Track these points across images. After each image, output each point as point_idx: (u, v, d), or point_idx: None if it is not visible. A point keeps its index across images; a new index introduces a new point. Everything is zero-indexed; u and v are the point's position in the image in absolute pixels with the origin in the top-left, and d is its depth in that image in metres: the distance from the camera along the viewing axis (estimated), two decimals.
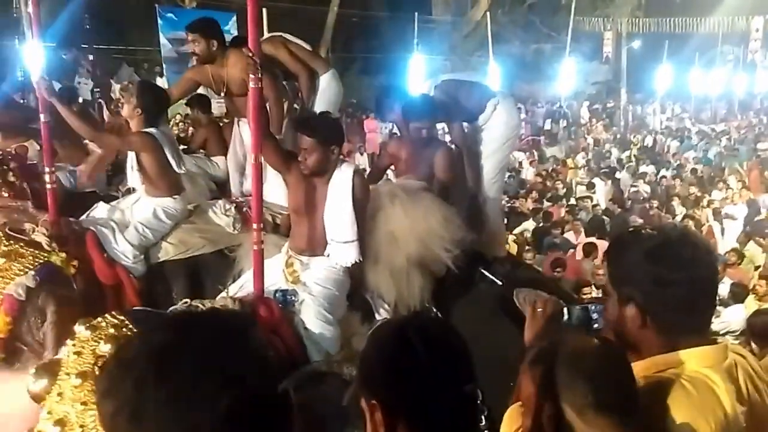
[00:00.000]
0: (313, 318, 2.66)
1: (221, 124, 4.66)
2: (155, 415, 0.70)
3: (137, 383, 0.72)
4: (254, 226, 2.60)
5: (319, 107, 3.80)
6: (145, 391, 0.71)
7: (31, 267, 2.55)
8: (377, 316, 2.90)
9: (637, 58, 24.50)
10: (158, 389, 0.71)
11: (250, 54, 2.58)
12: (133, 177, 3.24)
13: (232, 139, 4.04)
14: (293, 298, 2.73)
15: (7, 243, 2.63)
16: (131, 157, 3.20)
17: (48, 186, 2.94)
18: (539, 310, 1.62)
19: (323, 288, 2.80)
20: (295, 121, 3.30)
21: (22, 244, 2.64)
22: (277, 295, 2.72)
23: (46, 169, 2.93)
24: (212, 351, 0.74)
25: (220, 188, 3.94)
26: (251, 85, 2.60)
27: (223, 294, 2.77)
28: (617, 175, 12.45)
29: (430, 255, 2.98)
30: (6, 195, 3.21)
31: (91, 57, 11.56)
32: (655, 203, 10.24)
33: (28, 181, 3.33)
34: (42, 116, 2.91)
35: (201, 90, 4.12)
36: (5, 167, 3.29)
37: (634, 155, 15.40)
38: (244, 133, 3.87)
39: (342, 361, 2.60)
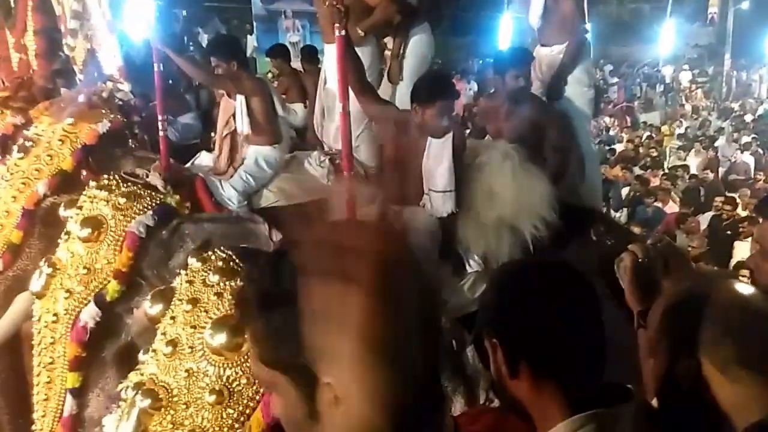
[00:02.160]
0: None
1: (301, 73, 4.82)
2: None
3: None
4: (345, 173, 2.66)
5: (412, 64, 3.79)
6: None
7: (150, 207, 2.74)
8: (468, 269, 2.94)
9: (744, 20, 22.74)
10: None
11: (335, 2, 2.52)
12: (242, 122, 3.40)
13: (319, 87, 3.99)
14: None
15: (125, 185, 2.83)
16: (241, 102, 3.36)
17: (160, 133, 3.15)
18: (642, 260, 1.54)
19: (413, 238, 2.85)
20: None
21: (140, 185, 2.84)
22: None
23: (159, 117, 3.13)
24: None
25: (300, 136, 4.01)
26: (336, 33, 2.53)
27: None
28: (716, 143, 11.81)
29: (517, 224, 2.98)
30: (135, 146, 3.44)
31: (184, 12, 11.92)
32: (761, 176, 9.66)
33: (149, 134, 3.57)
34: (155, 65, 3.08)
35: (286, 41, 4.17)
36: (131, 119, 3.51)
37: (736, 124, 14.50)
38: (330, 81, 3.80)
39: None
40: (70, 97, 3.55)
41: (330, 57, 3.66)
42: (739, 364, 1.11)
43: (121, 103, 3.53)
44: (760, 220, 1.57)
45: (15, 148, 3.34)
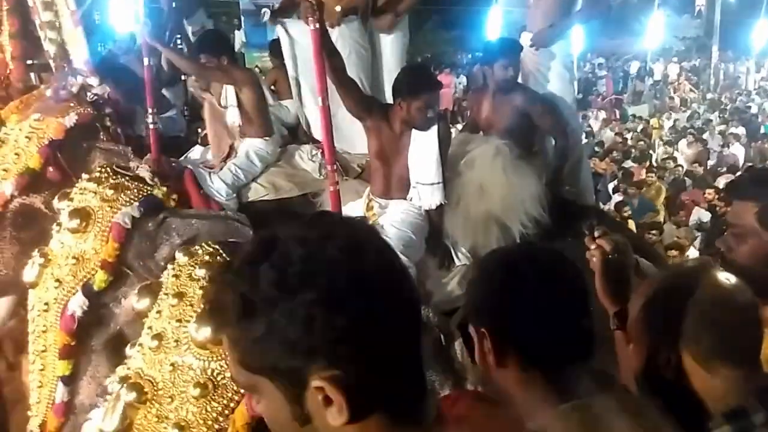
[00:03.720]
0: None
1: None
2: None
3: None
4: (328, 167, 2.66)
5: (395, 56, 3.76)
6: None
7: (136, 199, 2.74)
8: (456, 262, 2.94)
9: (731, 13, 22.87)
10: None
11: None
12: (231, 114, 3.38)
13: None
14: None
15: (114, 177, 2.83)
16: (231, 93, 3.34)
17: (150, 126, 3.12)
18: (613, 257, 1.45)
19: (398, 230, 2.83)
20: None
21: (127, 178, 2.84)
22: None
23: (149, 110, 3.09)
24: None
25: (291, 133, 3.94)
26: (309, 27, 2.56)
27: None
28: (705, 136, 11.88)
29: (506, 220, 2.98)
30: (103, 139, 3.36)
31: (174, 4, 11.74)
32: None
33: (121, 127, 3.46)
34: (146, 60, 3.05)
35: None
36: (102, 112, 3.40)
37: (724, 116, 14.59)
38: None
39: None
40: (39, 93, 3.50)
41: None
42: (720, 357, 1.11)
43: (95, 96, 3.46)
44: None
45: None
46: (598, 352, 1.19)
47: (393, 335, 0.74)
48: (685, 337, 1.13)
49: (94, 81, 3.40)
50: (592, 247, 1.47)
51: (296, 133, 3.97)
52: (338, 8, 3.44)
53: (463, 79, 15.35)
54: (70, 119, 3.15)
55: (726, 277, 1.19)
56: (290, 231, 0.75)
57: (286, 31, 3.62)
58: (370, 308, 0.71)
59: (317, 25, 2.56)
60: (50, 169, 3.08)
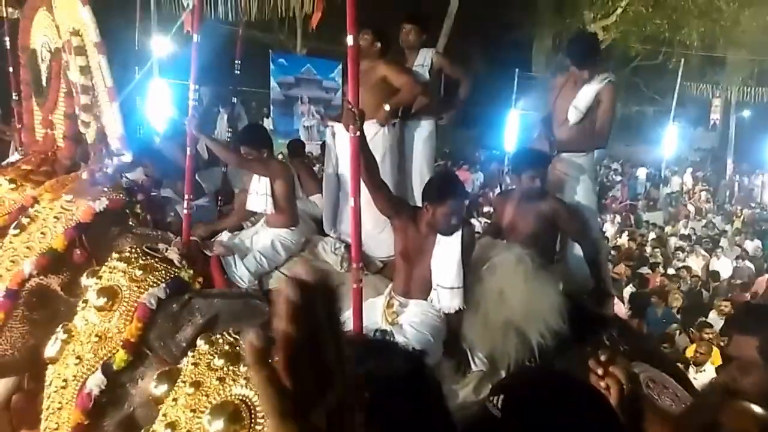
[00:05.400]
0: None
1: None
2: None
3: None
4: (353, 265, 2.72)
5: (424, 155, 3.93)
6: None
7: (163, 280, 2.81)
8: (473, 367, 2.93)
9: (745, 127, 23.44)
10: None
11: (350, 105, 2.66)
12: (258, 201, 3.51)
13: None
14: (390, 339, 2.81)
15: (143, 257, 2.91)
16: (264, 183, 3.49)
17: (185, 211, 3.20)
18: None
19: (417, 331, 2.86)
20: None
21: (157, 259, 2.92)
22: (376, 335, 2.83)
23: (186, 196, 3.18)
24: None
25: (319, 227, 4.01)
26: (350, 134, 2.67)
27: None
28: (720, 244, 11.89)
29: (525, 329, 2.98)
30: (132, 225, 3.35)
31: (235, 100, 12.26)
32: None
33: (152, 214, 3.55)
34: (189, 149, 3.18)
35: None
36: (133, 199, 3.48)
37: (738, 228, 14.63)
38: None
39: None
40: (76, 174, 3.59)
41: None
42: None
43: (128, 180, 3.51)
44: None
45: (12, 225, 3.27)
46: None
47: None
48: None
49: (127, 158, 3.49)
50: (599, 371, 1.39)
51: (322, 228, 4.05)
52: (387, 107, 3.61)
53: (480, 176, 15.66)
54: (101, 203, 3.21)
55: (747, 407, 1.18)
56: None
57: (333, 134, 3.84)
58: None
59: (357, 133, 2.68)
60: (77, 251, 3.11)
